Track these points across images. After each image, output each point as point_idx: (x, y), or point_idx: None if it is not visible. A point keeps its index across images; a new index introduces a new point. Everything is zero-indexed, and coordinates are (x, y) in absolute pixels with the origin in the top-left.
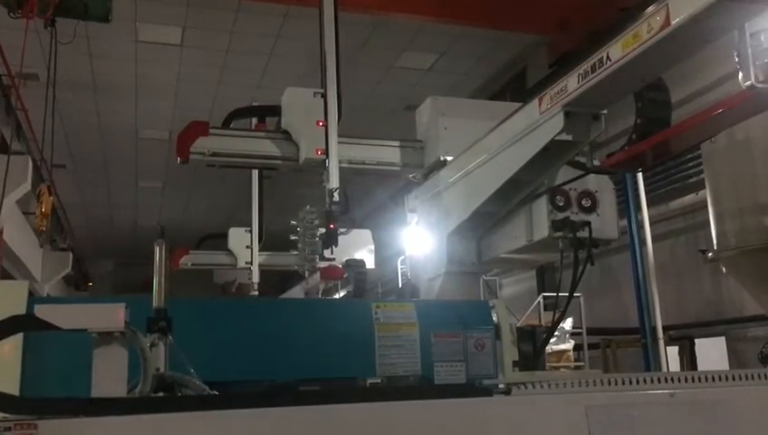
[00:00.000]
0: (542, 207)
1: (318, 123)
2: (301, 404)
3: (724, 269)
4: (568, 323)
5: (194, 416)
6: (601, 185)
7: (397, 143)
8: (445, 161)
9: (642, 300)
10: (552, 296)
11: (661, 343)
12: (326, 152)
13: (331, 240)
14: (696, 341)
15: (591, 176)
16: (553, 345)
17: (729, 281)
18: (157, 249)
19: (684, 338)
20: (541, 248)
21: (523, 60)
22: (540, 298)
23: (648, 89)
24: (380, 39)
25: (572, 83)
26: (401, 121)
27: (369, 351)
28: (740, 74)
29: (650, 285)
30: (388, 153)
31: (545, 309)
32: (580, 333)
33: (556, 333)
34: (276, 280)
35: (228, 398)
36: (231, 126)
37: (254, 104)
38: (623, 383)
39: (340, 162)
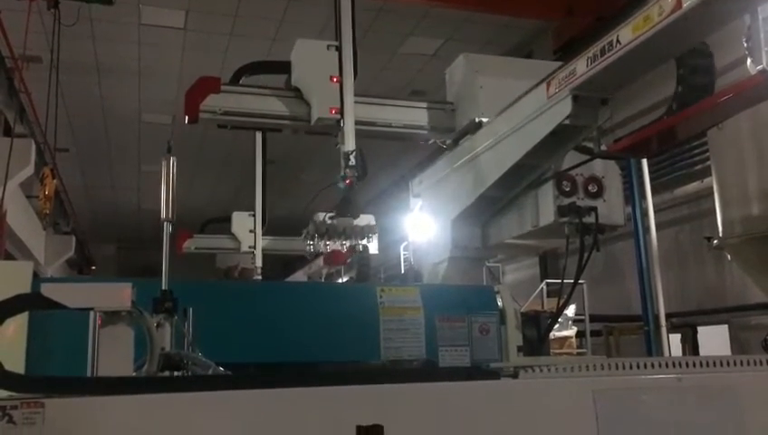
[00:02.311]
0: (548, 192)
1: (332, 79)
2: (307, 385)
3: (728, 256)
4: (571, 310)
5: (201, 396)
6: (608, 170)
7: (424, 104)
8: (480, 123)
9: (645, 287)
10: (555, 283)
11: (664, 330)
12: (341, 111)
13: (347, 206)
14: (699, 329)
15: (598, 161)
16: (556, 332)
17: (732, 269)
18: (164, 163)
19: (686, 326)
20: (546, 234)
21: (529, 45)
22: (543, 285)
23: (690, 54)
24: (385, 24)
25: (581, 67)
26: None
27: (373, 335)
28: (749, 60)
29: (653, 273)
30: (415, 115)
31: (548, 296)
32: (582, 320)
33: (559, 320)
34: (279, 265)
35: (236, 378)
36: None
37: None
38: (630, 368)
39: (362, 124)
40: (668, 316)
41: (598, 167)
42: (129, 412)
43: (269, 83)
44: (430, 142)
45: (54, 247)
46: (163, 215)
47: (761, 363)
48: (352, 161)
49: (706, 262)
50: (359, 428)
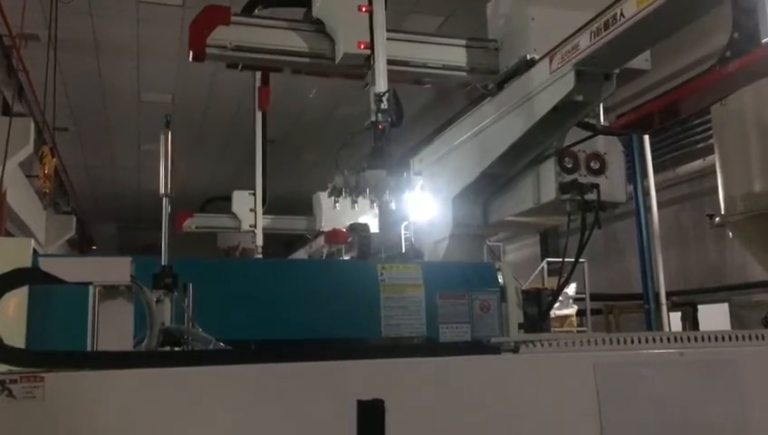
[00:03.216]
0: (549, 169)
1: (360, 9)
2: (307, 360)
3: (730, 234)
4: (571, 289)
5: (201, 370)
6: (610, 147)
7: (464, 42)
8: (532, 61)
9: (646, 266)
10: (556, 262)
11: (664, 308)
12: (371, 46)
13: (379, 157)
14: (699, 307)
15: (600, 138)
16: (557, 310)
17: (734, 248)
18: (162, 138)
19: (687, 304)
20: (548, 211)
21: None
22: (544, 263)
23: None
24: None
25: (584, 41)
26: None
27: (374, 312)
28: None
29: (654, 251)
30: (453, 54)
31: (549, 275)
32: (583, 299)
33: (560, 299)
34: (281, 245)
35: (236, 353)
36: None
37: None
38: (632, 342)
39: (393, 64)
40: (669, 295)
41: (600, 143)
42: (129, 386)
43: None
44: (468, 89)
45: (55, 227)
46: (162, 190)
47: (762, 338)
48: (385, 104)
49: (708, 241)
50: (360, 402)
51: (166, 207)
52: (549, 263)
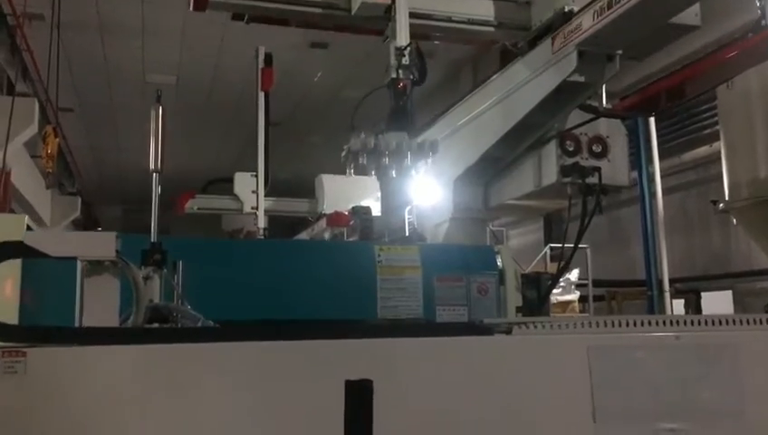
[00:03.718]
0: (551, 151)
1: None
2: (295, 339)
3: (734, 220)
4: (574, 275)
5: (187, 347)
6: (613, 130)
7: None
8: (570, 12)
9: (649, 252)
10: (559, 247)
11: (667, 295)
12: None
13: (400, 117)
14: (703, 294)
15: (603, 121)
16: (558, 296)
17: (738, 235)
18: (153, 113)
19: (690, 291)
20: (549, 194)
21: None
22: (546, 249)
23: None
24: None
25: (587, 21)
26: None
27: (370, 293)
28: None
29: (658, 238)
30: (480, 7)
31: (551, 260)
32: (585, 285)
33: (562, 284)
34: (286, 228)
35: (223, 331)
36: None
37: None
38: (627, 325)
39: (415, 17)
40: (672, 281)
41: (603, 126)
42: (112, 362)
43: None
44: (497, 46)
45: (60, 208)
46: (152, 166)
47: (760, 322)
48: (406, 60)
49: (712, 228)
50: (348, 382)
51: (156, 184)
52: (552, 248)
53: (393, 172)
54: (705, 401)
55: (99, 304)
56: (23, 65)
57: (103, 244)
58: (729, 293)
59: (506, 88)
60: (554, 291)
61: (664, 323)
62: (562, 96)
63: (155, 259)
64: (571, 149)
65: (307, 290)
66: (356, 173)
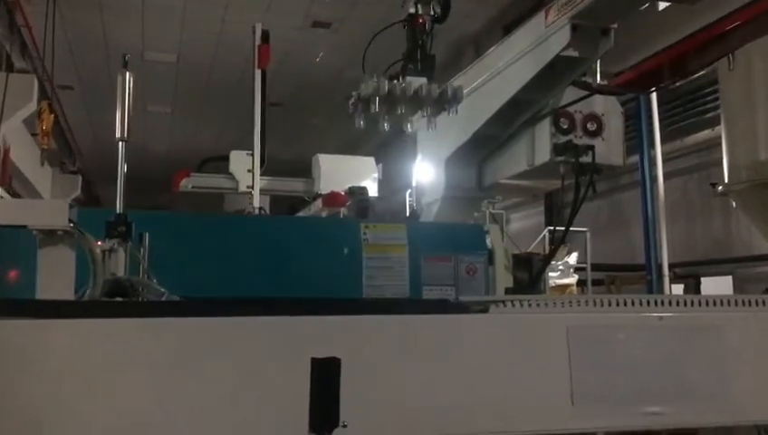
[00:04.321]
0: (544, 129)
1: None
2: (258, 314)
3: (734, 203)
4: (573, 258)
5: (143, 322)
6: (609, 108)
7: None
8: None
9: (650, 237)
10: (559, 231)
11: (666, 280)
12: None
13: (421, 58)
14: (703, 280)
15: (599, 98)
16: (557, 280)
17: (739, 220)
18: (120, 79)
19: (690, 276)
20: (542, 174)
21: None
22: (545, 232)
23: None
24: None
25: None
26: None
27: (355, 272)
28: None
29: (659, 222)
30: None
31: (551, 243)
32: (584, 269)
33: (560, 268)
34: (286, 209)
35: (181, 305)
36: None
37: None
38: (609, 305)
39: None
40: (672, 266)
41: (598, 104)
42: (63, 336)
43: None
44: None
45: (61, 186)
46: (118, 134)
47: (750, 304)
48: None
49: (714, 213)
50: (314, 360)
51: (122, 153)
52: (551, 232)
53: (409, 124)
54: (688, 384)
55: (54, 275)
56: (21, 42)
57: (55, 212)
58: (729, 278)
59: (499, 64)
60: (552, 274)
61: (647, 303)
62: (556, 72)
63: (119, 231)
64: (565, 126)
65: (287, 267)
66: (365, 124)
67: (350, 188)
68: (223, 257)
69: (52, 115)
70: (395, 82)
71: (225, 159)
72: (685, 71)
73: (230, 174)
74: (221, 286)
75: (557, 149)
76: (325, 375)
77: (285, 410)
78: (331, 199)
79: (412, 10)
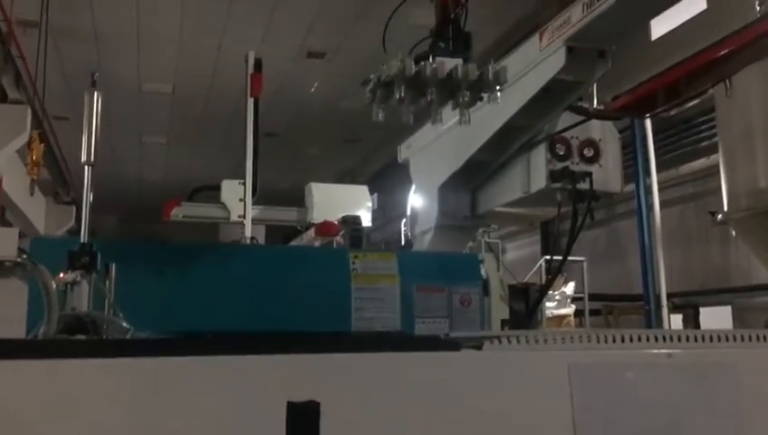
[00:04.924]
0: (540, 156)
1: None
2: (229, 353)
3: (733, 232)
4: (569, 288)
5: (98, 363)
6: (606, 134)
7: None
8: None
9: (647, 266)
10: (556, 260)
11: (665, 310)
12: None
13: (455, 36)
14: (702, 310)
15: (596, 124)
16: (554, 310)
17: (737, 249)
18: (87, 99)
19: (688, 306)
20: (538, 201)
21: (536, 18)
22: (542, 261)
23: None
24: None
25: (576, 14)
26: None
27: (344, 303)
28: (757, 7)
29: (656, 251)
30: None
31: (548, 273)
32: (581, 299)
33: (557, 298)
34: (281, 237)
35: (140, 343)
36: None
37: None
38: (614, 341)
39: None
40: (670, 296)
41: (595, 129)
42: (8, 379)
43: None
44: None
45: (55, 217)
46: (84, 157)
47: (759, 339)
48: None
49: (711, 242)
50: (290, 404)
51: (88, 178)
52: (548, 261)
53: (441, 115)
54: (698, 426)
55: (3, 311)
56: (15, 72)
57: (3, 241)
58: (728, 308)
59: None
60: (549, 305)
61: (655, 338)
62: (551, 96)
63: (82, 262)
64: (561, 153)
65: (271, 300)
66: (384, 114)
67: (343, 218)
68: (200, 289)
69: (43, 145)
70: (423, 62)
71: (217, 188)
72: (681, 95)
73: (222, 203)
74: (197, 321)
75: (553, 176)
76: (303, 421)
77: None
78: (324, 229)
79: None
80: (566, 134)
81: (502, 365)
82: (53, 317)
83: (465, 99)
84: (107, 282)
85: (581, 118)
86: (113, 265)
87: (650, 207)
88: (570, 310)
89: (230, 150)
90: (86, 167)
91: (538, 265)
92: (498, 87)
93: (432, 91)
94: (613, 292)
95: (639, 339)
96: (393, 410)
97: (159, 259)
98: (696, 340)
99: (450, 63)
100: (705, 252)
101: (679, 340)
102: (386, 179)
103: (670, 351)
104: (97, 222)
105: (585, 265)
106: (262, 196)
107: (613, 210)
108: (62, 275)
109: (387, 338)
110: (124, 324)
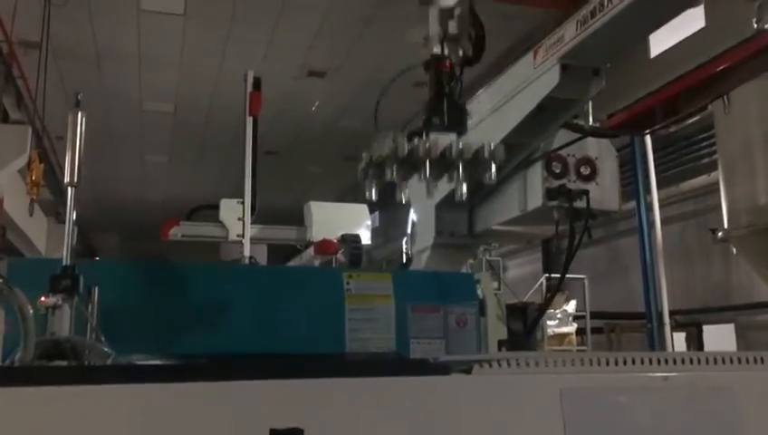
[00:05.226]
0: (536, 174)
1: None
2: (207, 380)
3: (734, 250)
4: (571, 306)
5: (76, 390)
6: (603, 151)
7: None
8: None
9: (649, 283)
10: (556, 279)
11: (667, 328)
12: None
13: (450, 111)
14: (705, 328)
15: (592, 141)
16: (555, 328)
17: (739, 266)
18: (70, 119)
19: (691, 324)
20: (535, 219)
21: (536, 35)
22: (542, 279)
23: None
24: (388, 13)
25: (570, 32)
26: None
27: (337, 325)
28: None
29: (658, 269)
30: None
31: (548, 291)
32: (583, 317)
33: (559, 316)
34: (282, 256)
35: (116, 370)
36: None
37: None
38: (607, 364)
39: None
40: (673, 314)
41: (592, 147)
42: None
43: None
44: None
45: (57, 237)
46: (67, 178)
47: (761, 361)
48: (455, 27)
49: (713, 259)
50: (273, 432)
51: (71, 199)
52: (548, 279)
53: (434, 191)
54: None
55: None
56: (17, 92)
57: None
58: (731, 326)
59: (487, 107)
60: (551, 323)
61: (650, 361)
62: (547, 114)
63: (64, 285)
64: (557, 171)
65: (263, 321)
66: (377, 195)
67: (342, 236)
68: (190, 311)
69: (42, 165)
70: (415, 140)
71: (216, 207)
72: (679, 111)
73: (220, 222)
74: (186, 344)
75: (550, 194)
76: None
77: None
78: (323, 247)
79: (436, 50)
80: (562, 152)
81: (492, 389)
82: (30, 343)
83: (460, 177)
84: (89, 305)
85: (577, 136)
86: (96, 288)
87: (651, 224)
88: (571, 328)
89: (232, 170)
90: (69, 188)
91: (539, 283)
92: (495, 164)
93: (426, 170)
94: (616, 310)
95: (634, 362)
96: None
97: (145, 280)
98: (692, 362)
99: (444, 141)
100: (707, 269)
101: (675, 362)
102: (388, 197)
103: (666, 374)
104: (99, 240)
105: (586, 282)
106: (262, 215)
107: (614, 228)
108: (42, 298)
109: (373, 363)
110: (105, 349)
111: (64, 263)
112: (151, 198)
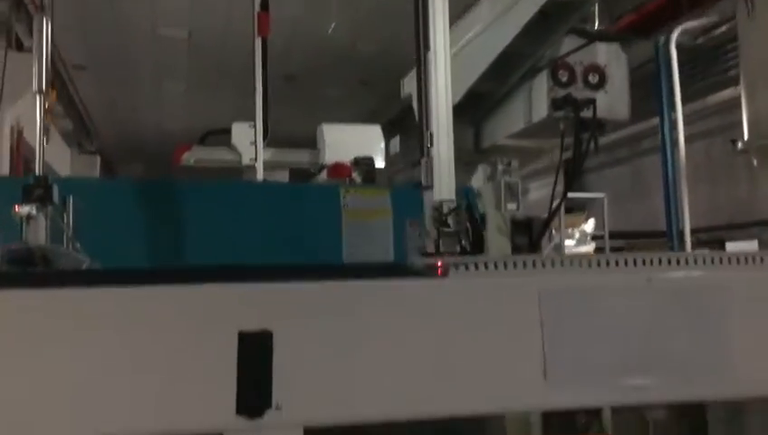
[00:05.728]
0: (542, 83)
1: None
2: (177, 283)
3: (755, 162)
4: (590, 225)
5: (44, 293)
6: (612, 58)
7: None
8: None
9: (671, 202)
10: (576, 198)
11: (688, 246)
12: None
13: None
14: (728, 245)
15: (602, 48)
16: (573, 248)
17: (766, 182)
18: (35, 25)
19: (714, 242)
20: (541, 132)
21: None
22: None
23: None
24: None
25: None
26: None
27: (335, 240)
28: None
29: (680, 187)
30: None
31: (567, 211)
32: (602, 237)
33: (577, 236)
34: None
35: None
36: None
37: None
38: (589, 266)
39: None
40: (695, 232)
41: (601, 54)
42: None
43: None
44: None
45: (80, 167)
46: (34, 86)
47: (751, 261)
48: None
49: (739, 176)
50: (242, 334)
51: (40, 106)
52: (568, 199)
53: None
54: (678, 354)
55: None
56: (28, 19)
57: None
58: (755, 242)
59: (489, 16)
60: (569, 243)
61: (635, 262)
62: (549, 20)
63: (37, 195)
64: (564, 79)
65: (262, 236)
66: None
67: (355, 159)
68: (191, 225)
69: (55, 91)
70: None
71: (228, 131)
72: (692, 9)
73: (233, 146)
74: (176, 258)
75: (555, 104)
76: (255, 351)
77: (210, 391)
78: (336, 170)
79: None
80: (570, 59)
81: (467, 292)
82: None
83: None
84: (64, 215)
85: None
86: (70, 197)
87: (675, 142)
88: (590, 248)
89: (250, 97)
90: (38, 95)
91: (558, 202)
92: None
93: None
94: (638, 229)
95: (618, 263)
96: (350, 339)
97: (143, 197)
98: (677, 263)
99: None
100: (732, 186)
101: (660, 263)
102: (408, 121)
103: (649, 275)
104: (124, 170)
105: (606, 201)
106: (282, 141)
107: (637, 147)
108: (16, 207)
109: (343, 266)
110: (80, 257)
111: (37, 173)
112: (170, 127)
